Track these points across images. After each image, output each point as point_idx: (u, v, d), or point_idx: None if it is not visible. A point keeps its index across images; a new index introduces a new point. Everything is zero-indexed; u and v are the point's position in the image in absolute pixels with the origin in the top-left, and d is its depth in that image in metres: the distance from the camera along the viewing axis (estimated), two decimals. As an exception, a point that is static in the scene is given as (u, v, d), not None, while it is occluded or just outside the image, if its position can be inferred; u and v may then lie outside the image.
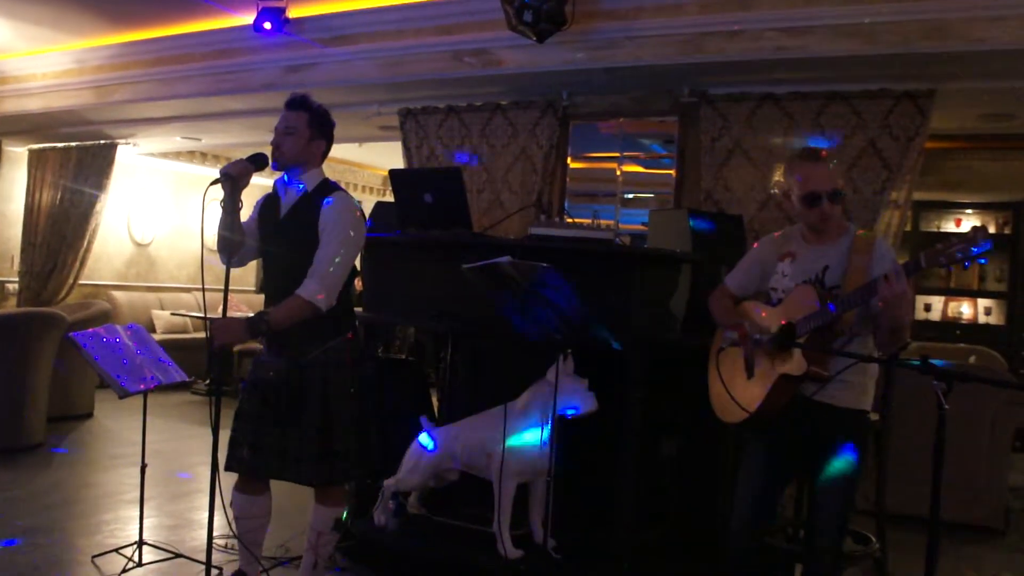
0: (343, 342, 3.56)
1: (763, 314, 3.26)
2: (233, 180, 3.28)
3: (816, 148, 3.46)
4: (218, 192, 3.36)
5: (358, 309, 4.85)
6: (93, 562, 4.23)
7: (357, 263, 3.64)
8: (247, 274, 8.95)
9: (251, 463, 3.53)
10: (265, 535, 3.79)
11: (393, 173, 4.93)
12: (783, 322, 3.11)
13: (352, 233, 3.50)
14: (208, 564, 3.33)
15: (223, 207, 3.32)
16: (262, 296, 3.78)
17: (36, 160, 9.97)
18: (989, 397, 5.53)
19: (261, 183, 3.89)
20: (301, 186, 3.55)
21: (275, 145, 3.51)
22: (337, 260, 3.43)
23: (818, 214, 3.18)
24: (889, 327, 2.98)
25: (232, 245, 3.40)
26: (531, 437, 3.99)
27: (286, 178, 3.60)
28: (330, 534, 3.65)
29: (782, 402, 3.12)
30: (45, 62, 8.15)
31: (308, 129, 3.53)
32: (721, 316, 3.45)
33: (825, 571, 3.21)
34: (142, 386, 4.24)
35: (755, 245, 3.56)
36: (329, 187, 3.57)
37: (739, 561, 3.33)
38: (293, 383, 3.45)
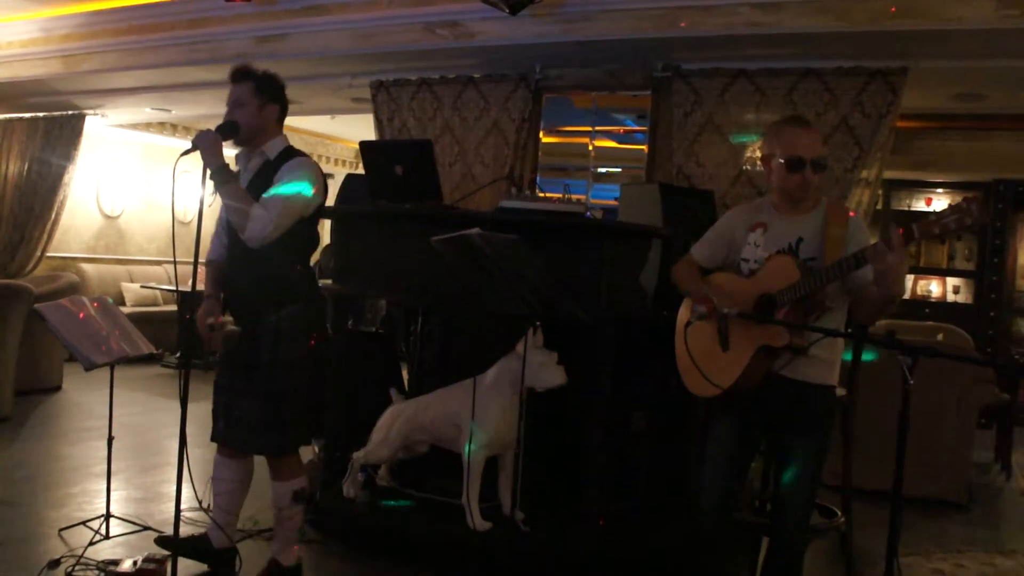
0: (299, 310, 3.50)
1: (735, 287, 3.18)
2: (204, 152, 3.25)
3: (803, 116, 3.38)
4: (188, 164, 3.34)
5: (328, 281, 4.84)
6: (60, 535, 4.19)
7: (327, 236, 3.61)
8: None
9: (225, 433, 3.57)
10: (240, 503, 3.80)
11: (364, 145, 4.89)
12: (761, 294, 3.06)
13: (308, 180, 3.42)
14: (176, 537, 3.31)
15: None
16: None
17: (2, 131, 9.81)
18: (956, 374, 5.58)
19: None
20: (262, 155, 3.51)
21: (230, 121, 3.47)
22: (286, 194, 3.34)
23: (799, 180, 3.09)
24: (881, 300, 2.89)
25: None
26: (500, 410, 3.99)
27: (247, 149, 3.57)
28: (290, 508, 3.60)
29: (760, 374, 3.07)
30: (10, 30, 8.00)
31: (256, 98, 3.48)
32: (686, 284, 3.36)
33: (791, 545, 3.23)
34: (109, 359, 4.20)
35: (724, 216, 3.49)
36: (292, 153, 3.52)
37: (711, 535, 3.34)
38: (245, 349, 3.44)
